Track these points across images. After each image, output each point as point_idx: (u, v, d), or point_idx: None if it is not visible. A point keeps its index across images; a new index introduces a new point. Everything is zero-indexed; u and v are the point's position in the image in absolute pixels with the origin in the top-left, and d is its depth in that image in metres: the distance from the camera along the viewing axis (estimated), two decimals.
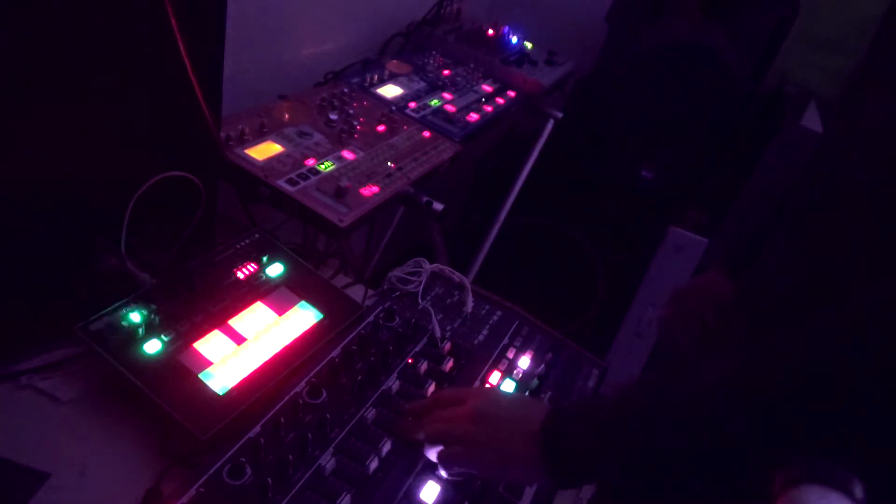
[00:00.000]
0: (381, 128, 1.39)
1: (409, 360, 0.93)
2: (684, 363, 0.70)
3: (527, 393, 0.95)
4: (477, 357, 0.98)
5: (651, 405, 0.66)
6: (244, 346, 0.89)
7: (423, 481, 0.78)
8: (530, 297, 1.23)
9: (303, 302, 0.99)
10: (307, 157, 1.21)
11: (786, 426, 0.57)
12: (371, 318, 0.99)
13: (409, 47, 1.88)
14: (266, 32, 1.46)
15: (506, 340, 1.02)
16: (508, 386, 0.95)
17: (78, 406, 0.82)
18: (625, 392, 0.70)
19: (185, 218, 1.00)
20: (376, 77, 1.58)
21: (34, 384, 0.83)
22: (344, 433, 0.80)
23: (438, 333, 0.98)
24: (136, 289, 0.90)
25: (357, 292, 1.14)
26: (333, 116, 1.35)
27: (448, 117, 1.54)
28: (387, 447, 0.79)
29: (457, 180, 2.21)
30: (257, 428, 0.77)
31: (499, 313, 1.08)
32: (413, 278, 1.07)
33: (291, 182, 1.13)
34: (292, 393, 0.83)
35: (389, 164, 1.29)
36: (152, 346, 0.84)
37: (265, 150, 1.18)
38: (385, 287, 1.07)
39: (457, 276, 1.11)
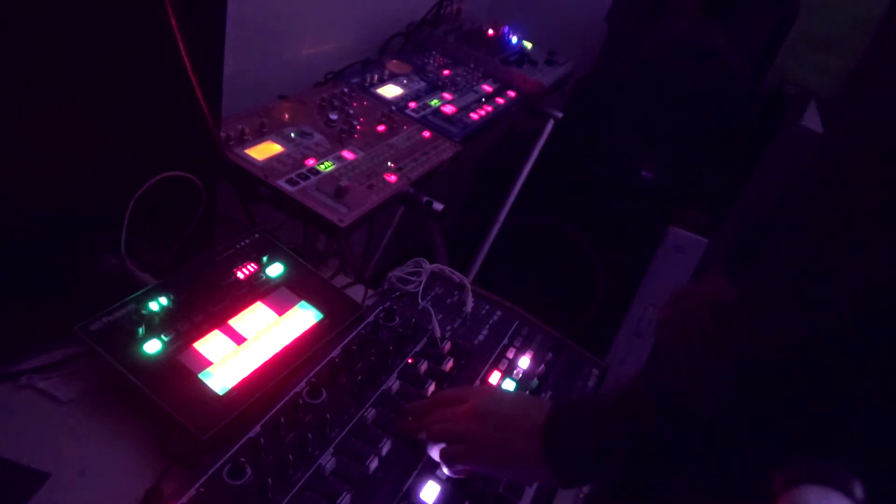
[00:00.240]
0: (381, 128, 1.39)
1: (409, 360, 0.93)
2: (685, 358, 0.69)
3: (527, 393, 0.95)
4: (477, 357, 0.98)
5: (655, 400, 0.66)
6: (244, 346, 0.89)
7: (423, 481, 0.78)
8: (530, 297, 1.23)
9: (303, 302, 0.99)
10: (307, 157, 1.21)
11: (786, 417, 0.57)
12: (371, 318, 0.99)
13: (409, 47, 1.88)
14: (266, 32, 1.46)
15: (506, 340, 1.02)
16: (508, 386, 0.95)
17: (78, 406, 0.82)
18: (627, 387, 0.70)
19: (185, 218, 1.00)
20: (376, 77, 1.58)
21: (34, 384, 0.83)
22: (344, 433, 0.80)
23: (438, 333, 0.99)
24: (136, 289, 0.90)
25: (357, 292, 1.14)
26: (333, 116, 1.35)
27: (448, 117, 1.54)
28: (387, 447, 0.80)
29: (457, 180, 2.21)
30: (257, 428, 0.77)
31: (499, 313, 1.08)
32: (413, 278, 1.07)
33: (291, 182, 1.13)
34: (292, 393, 0.83)
35: (389, 164, 1.29)
36: (152, 346, 0.84)
37: (265, 150, 1.18)
38: (385, 287, 1.07)
39: (457, 276, 1.11)
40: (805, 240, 0.66)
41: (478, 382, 0.94)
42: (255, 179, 1.12)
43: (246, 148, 1.17)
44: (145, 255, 0.96)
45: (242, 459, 0.73)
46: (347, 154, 1.27)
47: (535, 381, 0.96)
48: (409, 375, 0.91)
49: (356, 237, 1.50)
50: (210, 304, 0.92)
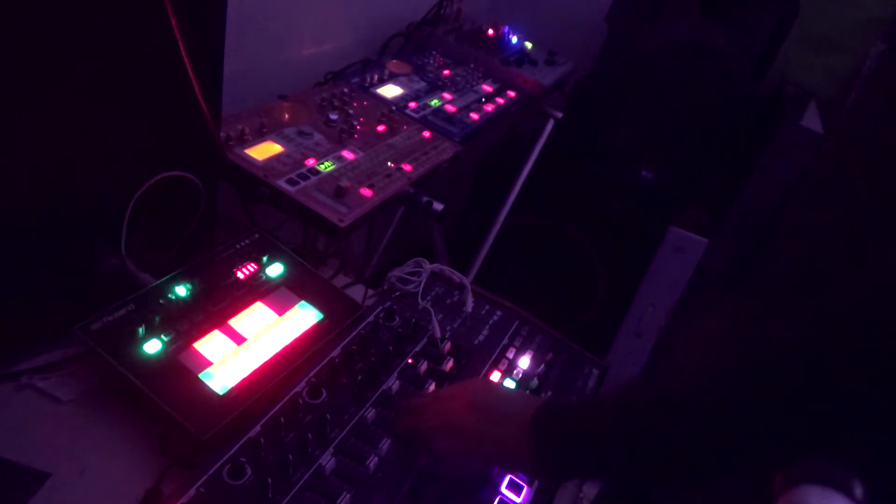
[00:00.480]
0: (381, 128, 1.39)
1: (409, 360, 0.93)
2: (686, 360, 0.69)
3: (527, 392, 0.95)
4: (477, 357, 0.98)
5: (653, 400, 0.66)
6: (244, 346, 0.89)
7: (424, 481, 0.77)
8: (530, 297, 1.23)
9: (303, 302, 0.99)
10: (307, 157, 1.21)
11: (787, 419, 0.57)
12: (371, 318, 0.99)
13: (409, 47, 1.87)
14: (266, 32, 1.46)
15: (506, 340, 1.02)
16: (508, 386, 0.95)
17: (78, 406, 0.82)
18: (624, 389, 0.70)
19: (185, 218, 1.00)
20: (376, 77, 1.58)
21: (34, 384, 0.83)
22: (344, 433, 0.80)
23: (438, 333, 0.99)
24: (136, 289, 0.90)
25: (357, 292, 1.14)
26: (333, 116, 1.35)
27: (448, 117, 1.54)
28: (387, 447, 0.80)
29: (457, 180, 2.21)
30: (257, 428, 0.77)
31: (499, 313, 1.08)
32: (413, 278, 1.07)
33: (291, 182, 1.13)
34: (292, 393, 0.83)
35: (389, 164, 1.29)
36: (152, 346, 0.84)
37: (265, 150, 1.18)
38: (385, 287, 1.07)
39: (457, 276, 1.11)
40: (804, 245, 0.66)
41: None
42: (255, 179, 1.12)
43: (246, 148, 1.16)
44: (145, 255, 0.96)
45: (242, 459, 0.73)
46: (347, 154, 1.27)
47: (535, 381, 0.96)
48: (409, 375, 0.91)
49: (356, 237, 1.50)
50: (210, 304, 0.92)
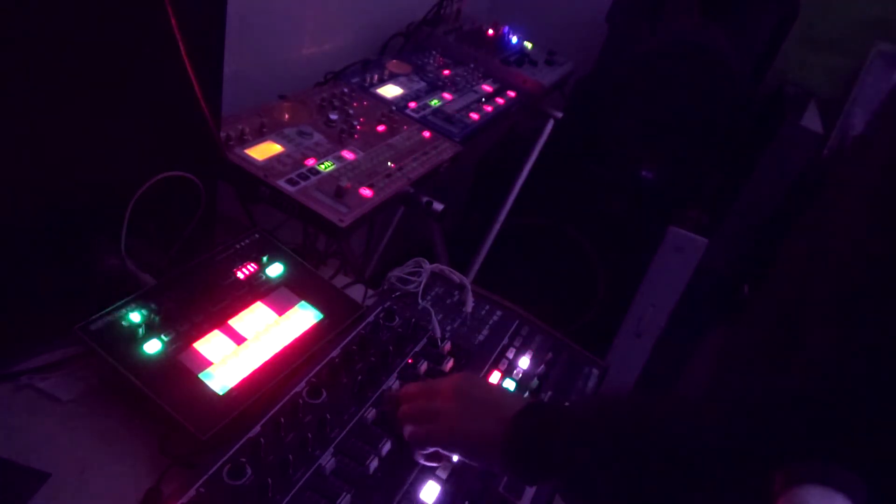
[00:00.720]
0: (381, 128, 1.39)
1: (409, 360, 0.93)
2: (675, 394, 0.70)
3: (527, 393, 0.95)
4: (477, 357, 0.98)
5: (633, 420, 0.65)
6: (244, 346, 0.89)
7: (423, 481, 0.78)
8: (530, 297, 1.23)
9: (303, 302, 0.99)
10: (307, 157, 1.21)
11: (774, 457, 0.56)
12: (371, 318, 0.99)
13: (409, 47, 1.87)
14: (266, 32, 1.46)
15: (506, 340, 1.02)
16: (508, 386, 0.95)
17: (78, 406, 0.82)
18: (609, 403, 0.70)
19: (185, 218, 1.00)
20: (376, 77, 1.58)
21: (34, 384, 0.83)
22: (344, 433, 0.80)
23: (438, 333, 0.99)
24: (136, 289, 0.90)
25: (357, 292, 1.14)
26: (333, 116, 1.35)
27: (448, 117, 1.54)
28: (387, 447, 0.80)
29: (457, 180, 2.21)
30: (257, 428, 0.77)
31: (499, 313, 1.08)
32: (413, 278, 1.07)
33: (291, 182, 1.13)
34: (292, 393, 0.83)
35: (389, 164, 1.29)
36: (152, 346, 0.84)
37: (265, 150, 1.18)
38: (385, 287, 1.07)
39: (457, 276, 1.11)
40: (798, 289, 0.66)
41: None
42: (255, 179, 1.12)
43: (246, 148, 1.16)
44: (145, 255, 0.96)
45: (242, 459, 0.73)
46: (347, 154, 1.27)
47: (535, 381, 0.96)
48: (409, 375, 0.91)
49: (356, 237, 1.50)
50: (210, 304, 0.92)
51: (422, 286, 1.06)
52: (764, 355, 0.67)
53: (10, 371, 0.83)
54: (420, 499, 0.76)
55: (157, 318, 0.87)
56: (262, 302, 0.97)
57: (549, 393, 0.96)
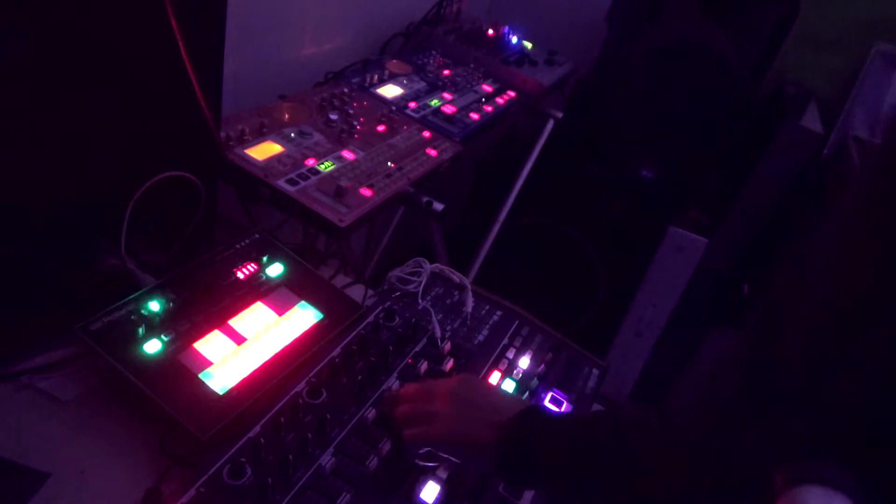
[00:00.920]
0: (381, 128, 1.39)
1: (409, 360, 0.93)
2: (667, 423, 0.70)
3: (527, 393, 0.95)
4: (477, 357, 0.98)
5: (623, 443, 0.65)
6: (244, 346, 0.89)
7: (423, 481, 0.78)
8: (530, 297, 1.22)
9: (303, 302, 0.99)
10: (307, 157, 1.21)
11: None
12: (371, 318, 0.99)
13: (409, 47, 1.87)
14: (266, 32, 1.46)
15: (506, 340, 1.02)
16: (508, 386, 0.95)
17: (78, 406, 0.82)
18: (598, 417, 0.70)
19: (185, 218, 1.00)
20: (376, 77, 1.58)
21: (34, 384, 0.83)
22: (344, 433, 0.80)
23: (438, 333, 0.98)
24: (136, 289, 0.90)
25: (357, 292, 1.14)
26: (333, 116, 1.35)
27: (448, 117, 1.54)
28: (387, 447, 0.80)
29: (457, 180, 2.21)
30: (257, 428, 0.77)
31: (499, 313, 1.08)
32: (413, 278, 1.07)
33: (291, 182, 1.13)
34: (292, 393, 0.83)
35: (389, 164, 1.29)
36: (152, 346, 0.84)
37: (265, 150, 1.18)
38: (385, 287, 1.07)
39: (457, 276, 1.11)
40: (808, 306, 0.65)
41: None
42: (255, 179, 1.12)
43: (246, 148, 1.16)
44: (145, 255, 0.96)
45: (242, 459, 0.73)
46: (347, 154, 1.27)
47: (535, 381, 0.96)
48: (409, 375, 0.91)
49: (356, 237, 1.50)
50: (210, 304, 0.92)
51: (422, 286, 1.06)
52: (763, 357, 0.66)
53: (10, 371, 0.83)
54: (420, 499, 0.76)
55: (157, 318, 0.87)
56: (262, 302, 0.97)
57: (549, 393, 0.96)
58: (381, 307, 1.01)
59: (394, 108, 1.50)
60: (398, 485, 0.77)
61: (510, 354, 1.00)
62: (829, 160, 2.24)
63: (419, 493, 0.76)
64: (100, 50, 0.82)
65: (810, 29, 2.21)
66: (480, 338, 1.02)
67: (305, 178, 1.15)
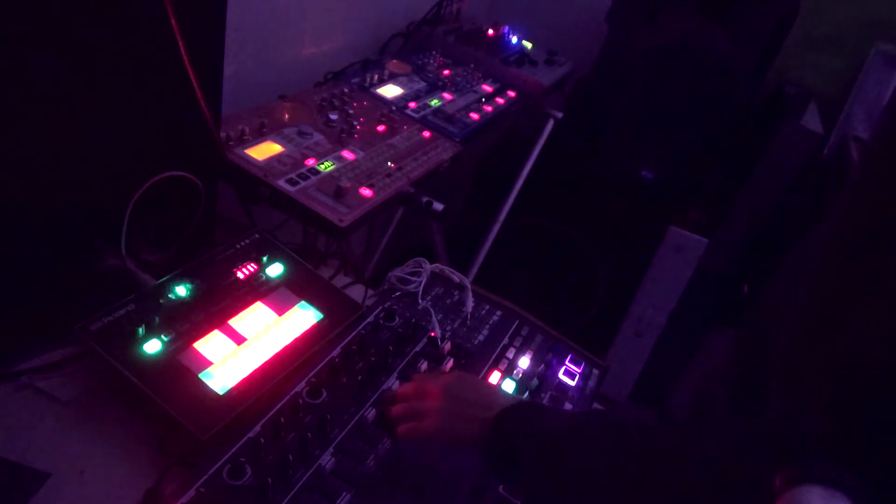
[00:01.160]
0: (381, 128, 1.39)
1: (410, 360, 0.93)
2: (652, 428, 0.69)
3: (527, 393, 0.95)
4: (477, 357, 0.98)
5: (613, 445, 0.64)
6: (244, 346, 0.89)
7: (423, 481, 0.77)
8: (530, 297, 1.22)
9: (303, 302, 0.99)
10: (307, 157, 1.21)
11: None
12: (371, 318, 0.99)
13: (409, 47, 1.87)
14: (266, 32, 1.46)
15: (506, 340, 1.02)
16: (508, 386, 0.95)
17: (78, 406, 0.82)
18: (582, 418, 0.70)
19: (185, 218, 1.00)
20: (376, 77, 1.58)
21: (34, 384, 0.83)
22: (344, 433, 0.80)
23: (438, 333, 0.98)
24: (136, 289, 0.90)
25: (357, 292, 1.14)
26: (333, 116, 1.35)
27: (448, 117, 1.54)
28: (387, 447, 0.80)
29: (457, 180, 2.21)
30: (257, 428, 0.77)
31: (499, 313, 1.08)
32: (413, 278, 1.07)
33: (291, 182, 1.13)
34: (292, 393, 0.83)
35: (389, 164, 1.29)
36: (152, 346, 0.84)
37: (265, 150, 1.18)
38: (385, 287, 1.07)
39: (457, 276, 1.11)
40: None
41: None
42: (255, 179, 1.12)
43: (246, 148, 1.16)
44: (145, 255, 0.96)
45: (242, 459, 0.73)
46: (347, 154, 1.27)
47: (535, 381, 0.96)
48: (409, 375, 0.90)
49: (356, 237, 1.50)
50: (210, 304, 0.92)
51: (422, 286, 1.06)
52: (755, 357, 0.66)
53: (10, 371, 0.83)
54: (420, 498, 0.76)
55: (157, 318, 0.87)
56: (262, 302, 0.96)
57: (549, 393, 0.96)
58: (381, 307, 1.01)
59: (394, 108, 1.50)
60: (398, 485, 0.77)
61: (510, 354, 1.00)
62: (829, 160, 2.24)
63: (419, 492, 0.76)
64: (100, 50, 0.82)
65: (810, 29, 2.21)
66: (480, 338, 1.02)
67: (305, 178, 1.15)
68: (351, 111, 1.41)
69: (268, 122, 1.25)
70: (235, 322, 0.92)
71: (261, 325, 0.93)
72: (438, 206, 1.24)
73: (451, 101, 1.62)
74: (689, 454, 0.60)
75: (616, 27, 2.10)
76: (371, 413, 0.83)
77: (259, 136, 1.21)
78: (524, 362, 0.99)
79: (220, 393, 0.82)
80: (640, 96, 2.00)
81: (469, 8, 2.13)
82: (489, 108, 1.66)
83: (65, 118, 0.83)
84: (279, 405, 0.81)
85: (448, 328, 1.01)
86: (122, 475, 0.76)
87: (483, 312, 1.07)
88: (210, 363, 0.85)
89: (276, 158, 1.18)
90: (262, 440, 0.75)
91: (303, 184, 1.14)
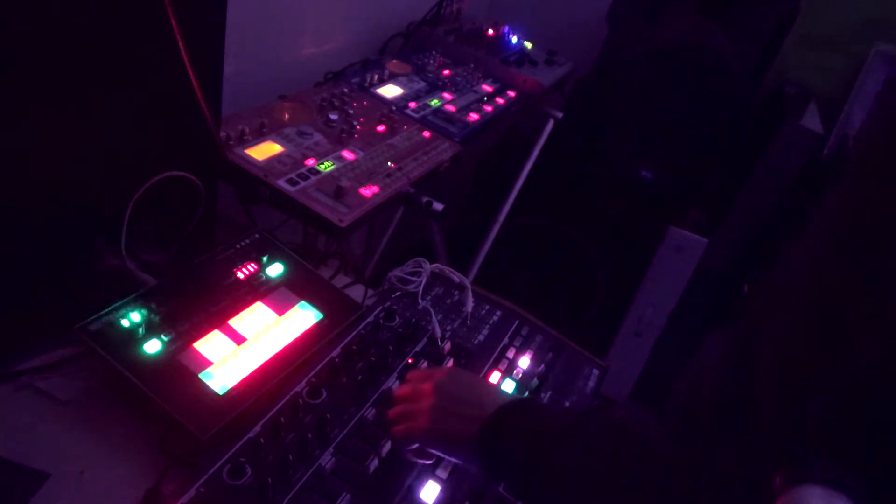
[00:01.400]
0: (381, 128, 1.39)
1: (409, 360, 0.93)
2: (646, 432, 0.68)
3: (527, 393, 0.95)
4: (477, 357, 0.98)
5: (606, 447, 0.64)
6: (244, 346, 0.89)
7: (423, 481, 0.78)
8: (530, 297, 1.22)
9: (303, 302, 0.99)
10: (307, 157, 1.21)
11: None
12: (371, 318, 0.99)
13: (409, 47, 1.87)
14: (266, 32, 1.46)
15: (506, 340, 1.02)
16: (508, 386, 0.95)
17: (78, 406, 0.82)
18: (578, 418, 0.70)
19: (185, 218, 1.00)
20: (376, 77, 1.58)
21: (34, 384, 0.83)
22: (344, 433, 0.80)
23: (438, 333, 0.99)
24: (136, 289, 0.90)
25: (357, 292, 1.14)
26: (333, 116, 1.35)
27: (448, 117, 1.54)
28: (387, 447, 0.80)
29: (457, 180, 2.21)
30: (257, 428, 0.77)
31: (499, 313, 1.08)
32: (413, 278, 1.07)
33: (291, 182, 1.13)
34: (292, 393, 0.83)
35: (389, 164, 1.29)
36: (152, 346, 0.84)
37: (265, 150, 1.18)
38: (385, 287, 1.07)
39: (457, 276, 1.11)
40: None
41: None
42: (255, 179, 1.12)
43: (246, 148, 1.16)
44: (145, 255, 0.96)
45: (242, 459, 0.73)
46: (347, 154, 1.27)
47: (535, 381, 0.96)
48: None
49: (356, 237, 1.50)
50: (210, 304, 0.92)
51: (422, 286, 1.06)
52: (748, 358, 0.66)
53: (10, 371, 0.83)
54: (420, 499, 0.76)
55: (157, 318, 0.87)
56: (262, 302, 0.96)
57: (549, 393, 0.97)
58: (381, 307, 1.01)
59: (394, 108, 1.50)
60: (398, 485, 0.77)
61: (510, 354, 1.00)
62: (829, 160, 2.24)
63: (419, 493, 0.76)
64: (100, 50, 0.82)
65: (810, 29, 2.21)
66: (480, 338, 1.02)
67: (305, 178, 1.15)
68: (351, 111, 1.41)
69: (268, 122, 1.25)
70: (235, 322, 0.92)
71: (261, 325, 0.93)
72: (438, 206, 1.24)
73: (451, 101, 1.62)
74: (689, 454, 0.60)
75: (616, 27, 2.10)
76: (371, 413, 0.83)
77: (259, 136, 1.21)
78: (524, 362, 0.99)
79: (220, 393, 0.82)
80: (640, 96, 2.00)
81: (469, 8, 2.13)
82: (489, 108, 1.66)
83: (65, 118, 0.83)
84: (279, 405, 0.81)
85: (448, 328, 1.01)
86: (122, 475, 0.76)
87: (483, 312, 1.07)
88: (210, 363, 0.85)
89: (276, 158, 1.18)
90: (262, 440, 0.75)
91: (303, 184, 1.14)
